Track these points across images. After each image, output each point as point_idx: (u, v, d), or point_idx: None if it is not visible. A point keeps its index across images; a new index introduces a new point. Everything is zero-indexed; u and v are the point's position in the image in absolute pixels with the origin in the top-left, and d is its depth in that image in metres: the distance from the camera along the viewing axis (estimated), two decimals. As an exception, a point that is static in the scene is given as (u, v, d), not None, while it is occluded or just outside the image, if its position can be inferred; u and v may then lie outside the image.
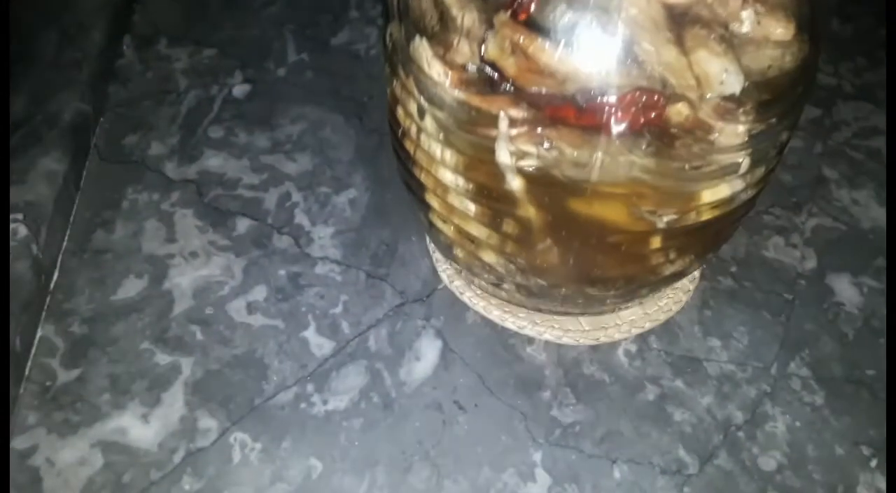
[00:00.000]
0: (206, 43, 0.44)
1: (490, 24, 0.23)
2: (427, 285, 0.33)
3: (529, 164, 0.24)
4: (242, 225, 0.35)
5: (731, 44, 0.23)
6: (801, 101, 0.26)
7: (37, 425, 0.28)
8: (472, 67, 0.24)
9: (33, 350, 0.30)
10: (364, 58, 0.44)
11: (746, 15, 0.24)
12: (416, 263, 0.34)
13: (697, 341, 0.32)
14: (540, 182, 0.24)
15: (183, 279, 0.33)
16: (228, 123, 0.40)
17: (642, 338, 0.32)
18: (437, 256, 0.33)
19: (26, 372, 0.30)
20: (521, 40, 0.22)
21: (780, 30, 0.24)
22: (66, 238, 0.34)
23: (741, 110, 0.23)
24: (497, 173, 0.24)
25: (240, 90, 0.42)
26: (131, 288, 0.33)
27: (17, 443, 0.28)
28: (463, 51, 0.23)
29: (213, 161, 0.38)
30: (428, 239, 0.34)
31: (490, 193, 0.25)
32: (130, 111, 0.40)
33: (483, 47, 0.23)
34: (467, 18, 0.24)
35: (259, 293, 0.33)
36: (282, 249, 0.34)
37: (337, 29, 0.46)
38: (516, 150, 0.23)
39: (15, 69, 0.38)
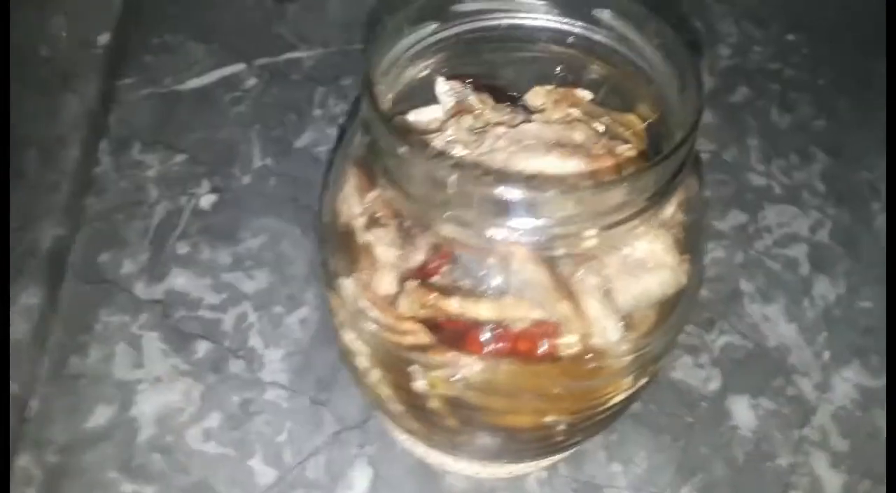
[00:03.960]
0: (177, 147, 0.48)
1: (405, 274, 0.27)
2: (363, 411, 0.37)
3: (444, 390, 0.27)
4: (202, 348, 0.39)
5: (612, 297, 0.26)
6: (682, 321, 0.29)
7: (19, 551, 0.33)
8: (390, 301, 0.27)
9: (11, 480, 0.35)
10: (324, 161, 0.47)
11: (635, 252, 0.27)
12: (356, 388, 0.38)
13: (601, 466, 0.36)
14: (454, 403, 0.28)
15: (147, 406, 0.37)
16: (194, 239, 0.43)
17: (553, 465, 0.36)
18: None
19: (9, 501, 0.34)
20: (430, 300, 0.26)
21: (667, 259, 0.28)
22: (45, 363, 0.38)
23: (622, 348, 0.27)
24: (419, 393, 0.28)
25: (206, 201, 0.45)
26: (101, 416, 0.37)
27: (3, 569, 0.33)
28: (384, 288, 0.27)
29: (179, 280, 0.42)
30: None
31: (414, 403, 0.29)
32: (105, 225, 0.44)
33: (397, 303, 0.27)
34: (389, 257, 0.27)
35: (214, 420, 0.37)
36: (236, 373, 0.38)
37: (301, 129, 0.49)
38: (431, 379, 0.27)
39: (-2, 193, 0.42)
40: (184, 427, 0.37)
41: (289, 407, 0.37)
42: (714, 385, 0.39)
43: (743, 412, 0.38)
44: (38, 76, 0.48)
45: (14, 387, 0.36)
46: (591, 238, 0.24)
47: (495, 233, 0.24)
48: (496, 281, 0.26)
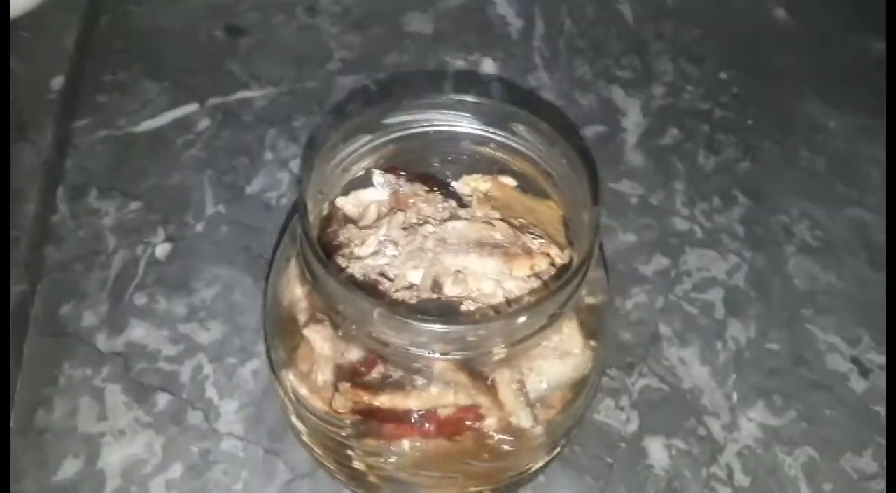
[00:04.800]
0: (132, 193, 0.50)
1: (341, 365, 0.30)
2: (313, 461, 0.40)
3: (380, 470, 0.31)
4: (162, 400, 0.42)
5: (525, 387, 0.30)
6: (588, 398, 0.33)
7: None
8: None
9: (-11, 534, 0.38)
10: (275, 208, 0.50)
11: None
12: (305, 438, 0.41)
13: (528, 508, 0.40)
14: (389, 479, 0.31)
15: (112, 458, 0.40)
16: (151, 289, 0.46)
17: (484, 508, 0.40)
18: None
19: (-15, 554, 0.37)
20: (362, 399, 0.29)
21: (573, 347, 0.31)
22: (12, 419, 0.41)
23: (536, 430, 0.30)
24: (356, 470, 0.31)
25: (162, 250, 0.48)
26: (69, 469, 0.40)
27: None
28: (322, 379, 0.30)
29: (138, 331, 0.44)
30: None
31: (354, 476, 0.32)
32: (64, 276, 0.46)
33: (332, 400, 0.30)
34: (325, 350, 0.30)
35: (176, 471, 0.40)
36: (194, 424, 0.41)
37: (252, 174, 0.51)
38: (366, 461, 0.31)
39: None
40: (148, 479, 0.40)
41: (244, 457, 0.40)
42: (632, 427, 0.43)
43: (658, 451, 0.42)
44: (-6, 124, 0.50)
45: (-16, 447, 0.38)
46: (500, 353, 0.28)
47: (416, 351, 0.27)
48: (422, 380, 0.30)
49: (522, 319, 0.27)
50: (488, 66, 0.59)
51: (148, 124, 0.53)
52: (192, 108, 0.54)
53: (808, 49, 0.62)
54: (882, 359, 0.45)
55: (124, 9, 0.60)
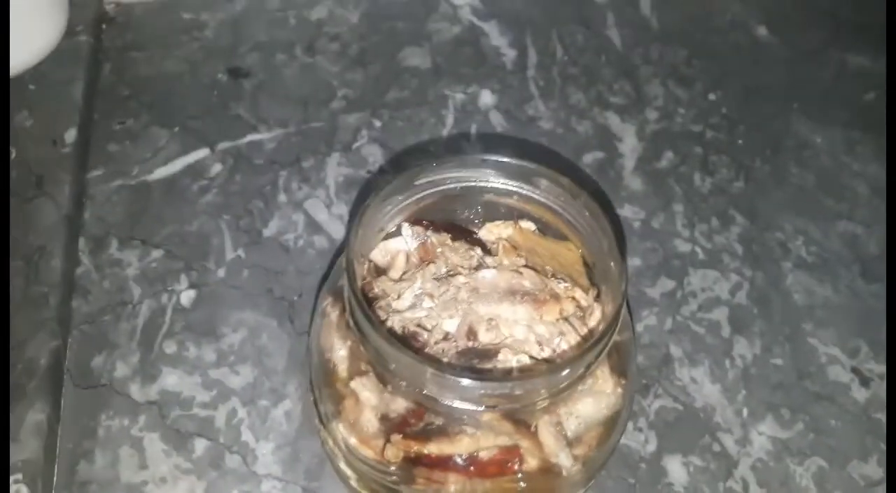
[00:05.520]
0: (152, 242, 0.51)
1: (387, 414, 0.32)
2: (350, 497, 0.42)
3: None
4: (200, 446, 0.43)
5: (565, 433, 0.32)
6: (620, 433, 0.35)
7: None
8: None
9: None
10: (293, 249, 0.51)
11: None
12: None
13: (559, 532, 0.42)
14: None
15: (156, 507, 0.42)
16: (180, 336, 0.47)
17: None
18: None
19: None
20: (414, 448, 0.31)
21: (606, 385, 0.33)
22: (55, 474, 0.42)
23: (574, 468, 0.32)
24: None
25: (186, 297, 0.49)
26: (115, 520, 0.41)
27: None
28: (370, 429, 0.32)
29: (171, 379, 0.46)
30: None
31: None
32: (93, 329, 0.47)
33: (384, 450, 0.31)
34: (372, 400, 0.32)
35: (218, 516, 0.42)
36: (233, 468, 0.43)
37: (268, 217, 0.53)
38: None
39: (-9, 309, 0.45)
40: (191, 525, 0.41)
41: (284, 498, 0.42)
42: (651, 447, 0.45)
43: (676, 469, 0.44)
44: (11, 179, 0.51)
45: (34, 504, 0.39)
46: (543, 402, 0.30)
47: (463, 405, 0.29)
48: (469, 427, 0.31)
49: (565, 372, 0.29)
50: (486, 98, 0.61)
51: (161, 172, 0.54)
52: (202, 153, 0.56)
53: (790, 66, 0.65)
54: (880, 368, 0.48)
55: (126, 55, 0.61)
